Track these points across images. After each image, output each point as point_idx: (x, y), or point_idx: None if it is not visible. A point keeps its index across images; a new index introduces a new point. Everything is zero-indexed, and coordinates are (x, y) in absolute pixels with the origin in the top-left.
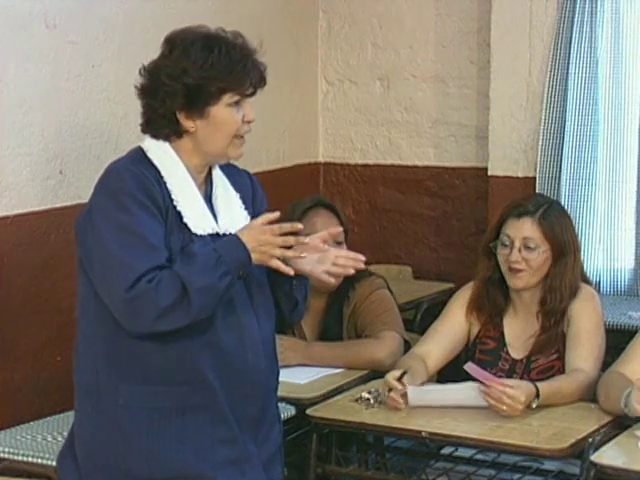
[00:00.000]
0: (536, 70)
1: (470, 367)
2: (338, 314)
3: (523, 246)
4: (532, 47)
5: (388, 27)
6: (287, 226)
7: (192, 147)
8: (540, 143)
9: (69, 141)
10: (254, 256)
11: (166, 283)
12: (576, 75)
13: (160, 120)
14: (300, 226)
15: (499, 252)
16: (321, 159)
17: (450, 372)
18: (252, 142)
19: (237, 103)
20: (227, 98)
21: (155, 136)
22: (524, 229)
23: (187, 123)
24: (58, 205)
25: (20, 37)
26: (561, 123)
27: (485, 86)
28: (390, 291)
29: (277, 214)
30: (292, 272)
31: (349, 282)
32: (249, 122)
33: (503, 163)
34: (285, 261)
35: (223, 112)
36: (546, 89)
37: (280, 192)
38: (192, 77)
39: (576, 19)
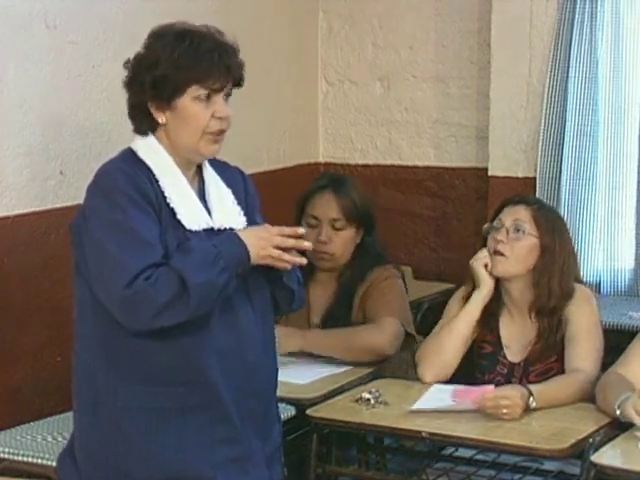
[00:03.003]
0: (536, 70)
1: (455, 398)
2: (350, 293)
3: (513, 228)
4: (532, 47)
5: (388, 27)
6: (288, 230)
7: (169, 142)
8: (540, 143)
9: (69, 141)
10: (252, 254)
11: (164, 280)
12: (576, 76)
13: (135, 113)
14: (302, 231)
15: (490, 236)
16: (321, 159)
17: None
18: (252, 142)
19: (208, 98)
20: (193, 91)
21: (137, 131)
22: (517, 213)
23: (158, 115)
24: (58, 205)
25: (20, 37)
26: (561, 123)
27: (485, 86)
28: (405, 284)
29: (297, 230)
30: (289, 266)
31: (369, 264)
32: (220, 118)
33: (503, 163)
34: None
35: (189, 105)
36: (546, 89)
37: (280, 192)
38: (161, 67)
39: (576, 20)
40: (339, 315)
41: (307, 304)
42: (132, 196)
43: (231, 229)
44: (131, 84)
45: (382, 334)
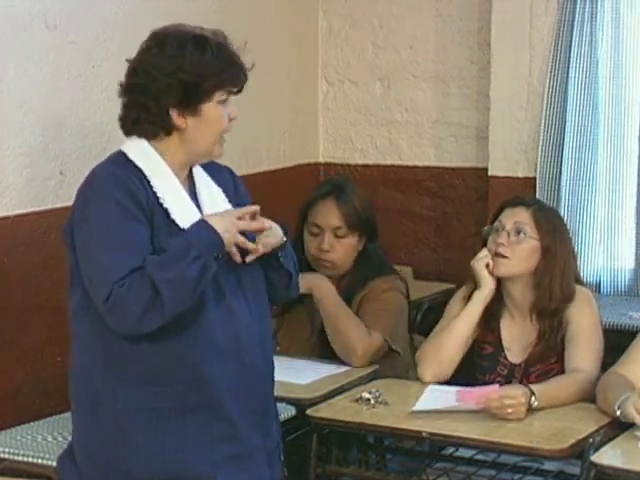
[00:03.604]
0: (536, 70)
1: (459, 398)
2: (348, 298)
3: (514, 231)
4: (532, 47)
5: (388, 27)
6: (245, 210)
7: (178, 145)
8: (540, 143)
9: (69, 141)
10: (224, 238)
11: (137, 285)
12: (576, 76)
13: (151, 117)
14: (256, 208)
15: (490, 238)
16: (321, 159)
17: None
18: (252, 142)
19: (225, 101)
20: (218, 96)
21: (142, 134)
22: (517, 215)
23: (179, 120)
24: (58, 205)
25: (20, 37)
26: (561, 123)
27: (485, 86)
28: (408, 298)
29: (253, 208)
30: (239, 260)
31: (371, 272)
32: (233, 119)
33: (503, 163)
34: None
35: (214, 110)
36: (546, 89)
37: (280, 192)
38: (189, 74)
39: (576, 20)
40: None
41: (311, 309)
42: (120, 200)
43: None
44: (146, 89)
45: (367, 346)
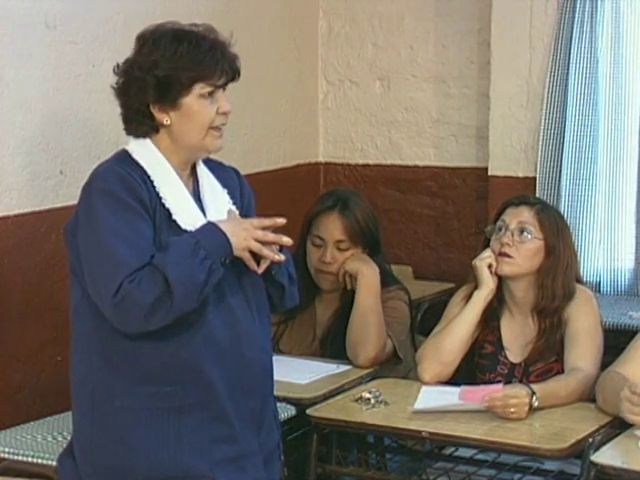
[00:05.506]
0: (536, 70)
1: (463, 397)
2: (349, 314)
3: (518, 230)
4: (532, 47)
5: (388, 27)
6: (268, 221)
7: (170, 142)
8: (540, 143)
9: (69, 141)
10: (233, 243)
11: (147, 279)
12: (576, 75)
13: (136, 116)
14: (281, 221)
15: (493, 237)
16: (321, 159)
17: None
18: (252, 142)
19: (211, 94)
20: (198, 89)
21: (135, 134)
22: (521, 215)
23: (161, 116)
24: (59, 205)
25: (20, 37)
26: (561, 123)
27: (485, 86)
28: (410, 307)
29: (277, 220)
30: (260, 271)
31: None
32: (224, 114)
33: (503, 163)
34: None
35: (195, 103)
36: (546, 89)
37: (280, 192)
38: (162, 68)
39: (576, 19)
40: (338, 334)
41: (314, 317)
42: (123, 198)
43: None
44: (128, 88)
45: (379, 351)
